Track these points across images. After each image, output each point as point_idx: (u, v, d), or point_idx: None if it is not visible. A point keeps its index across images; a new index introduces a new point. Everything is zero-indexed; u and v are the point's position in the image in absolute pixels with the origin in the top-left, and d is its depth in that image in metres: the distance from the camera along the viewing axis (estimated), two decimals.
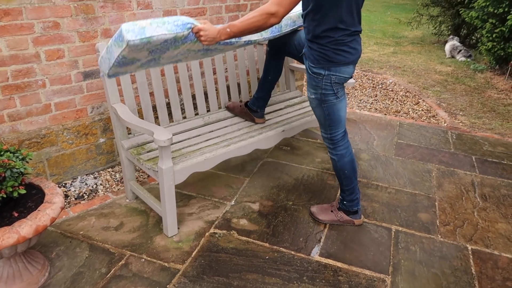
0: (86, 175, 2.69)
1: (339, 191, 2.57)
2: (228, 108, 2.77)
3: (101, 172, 2.75)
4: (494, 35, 5.16)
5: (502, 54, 5.15)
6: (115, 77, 2.08)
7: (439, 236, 2.27)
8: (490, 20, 5.24)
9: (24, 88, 2.28)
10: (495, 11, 5.15)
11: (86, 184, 2.61)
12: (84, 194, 2.52)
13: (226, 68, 2.87)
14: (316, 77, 1.97)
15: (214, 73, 2.91)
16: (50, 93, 2.39)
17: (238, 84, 3.08)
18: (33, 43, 2.24)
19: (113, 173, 2.75)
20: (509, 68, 5.20)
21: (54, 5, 2.25)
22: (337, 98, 2.03)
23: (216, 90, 2.89)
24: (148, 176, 2.75)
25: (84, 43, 2.44)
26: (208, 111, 2.82)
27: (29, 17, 2.19)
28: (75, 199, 2.47)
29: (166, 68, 2.46)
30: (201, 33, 1.77)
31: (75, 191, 2.54)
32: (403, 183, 2.81)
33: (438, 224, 2.38)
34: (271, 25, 1.80)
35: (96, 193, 2.55)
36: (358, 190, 2.28)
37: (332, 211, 2.34)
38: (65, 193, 2.50)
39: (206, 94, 2.86)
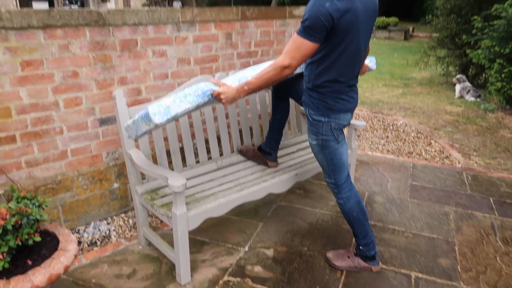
0: (100, 220, 2.68)
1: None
2: (241, 152, 2.79)
3: (114, 217, 2.74)
4: (503, 75, 5.20)
5: None
6: None
7: (462, 283, 2.18)
8: (498, 60, 5.30)
9: (42, 135, 2.34)
10: (502, 51, 5.22)
11: (99, 230, 2.59)
12: (97, 240, 2.50)
13: (238, 112, 2.92)
14: (317, 124, 2.03)
15: (227, 117, 2.96)
16: (67, 139, 2.44)
17: (251, 128, 3.12)
18: (52, 91, 2.32)
19: (126, 218, 2.74)
20: None
21: (74, 56, 2.35)
22: (338, 143, 2.08)
23: (228, 134, 2.92)
24: (161, 221, 2.72)
25: (101, 90, 2.52)
26: (221, 155, 2.83)
27: (50, 67, 2.28)
28: (88, 245, 2.45)
29: None
30: (221, 96, 1.88)
31: (88, 237, 2.52)
32: (420, 226, 2.74)
33: (459, 270, 2.29)
34: (286, 77, 1.87)
35: (109, 239, 2.53)
36: (372, 233, 2.23)
37: (349, 257, 2.28)
38: (78, 239, 2.48)
39: (219, 138, 2.89)
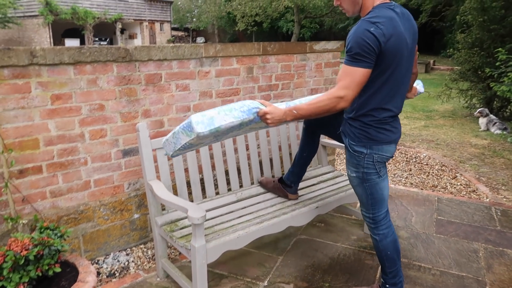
0: (119, 251, 2.68)
1: (380, 272, 2.43)
2: (261, 184, 2.77)
3: (134, 248, 2.73)
4: None
5: None
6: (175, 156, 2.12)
7: None
8: None
9: (68, 166, 2.40)
10: None
11: (118, 261, 2.59)
12: (116, 272, 2.49)
13: (259, 144, 2.93)
14: (358, 156, 1.94)
15: (247, 149, 2.97)
16: (91, 170, 2.50)
17: (271, 160, 3.12)
18: (79, 123, 2.40)
19: (145, 249, 2.73)
20: None
21: (101, 89, 2.44)
22: (379, 177, 1.97)
23: (249, 165, 2.93)
24: (180, 253, 2.70)
25: (125, 123, 2.59)
26: (240, 186, 2.83)
27: (78, 100, 2.37)
28: (107, 276, 2.44)
29: None
30: (267, 116, 1.82)
31: (107, 268, 2.52)
32: (447, 264, 2.62)
33: None
34: (341, 109, 1.79)
35: (127, 270, 2.51)
36: (402, 273, 2.13)
37: None
38: (97, 270, 2.48)
39: (239, 169, 2.90)
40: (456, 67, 8.20)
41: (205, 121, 1.69)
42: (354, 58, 1.73)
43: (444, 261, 2.65)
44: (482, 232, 3.04)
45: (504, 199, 3.73)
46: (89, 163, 2.48)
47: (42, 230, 1.71)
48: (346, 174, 2.08)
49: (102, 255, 2.62)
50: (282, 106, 1.95)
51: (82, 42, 26.57)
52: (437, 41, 20.31)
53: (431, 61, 17.04)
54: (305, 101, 2.04)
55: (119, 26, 28.67)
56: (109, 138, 2.54)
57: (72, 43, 25.51)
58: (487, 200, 3.69)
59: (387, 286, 2.13)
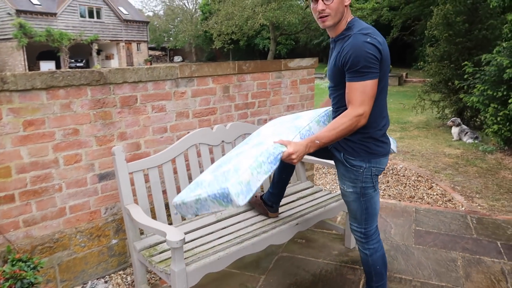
0: (97, 279, 2.61)
1: (363, 286, 2.44)
2: None
3: (112, 275, 2.66)
4: (498, 118, 5.28)
5: (509, 135, 5.21)
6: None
7: None
8: (492, 105, 5.40)
9: (41, 193, 2.34)
10: (495, 95, 5.34)
11: None
12: None
13: None
14: (356, 170, 1.92)
15: None
16: (66, 196, 2.44)
17: None
18: (53, 149, 2.35)
19: (124, 275, 2.67)
20: None
21: (75, 114, 2.41)
22: (375, 191, 1.98)
23: None
24: (160, 278, 2.65)
25: (101, 146, 2.55)
26: None
27: (51, 125, 2.33)
28: None
29: (179, 165, 2.53)
30: (293, 156, 1.77)
31: None
32: (427, 274, 2.65)
33: None
34: (360, 127, 1.79)
35: None
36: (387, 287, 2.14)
37: None
38: None
39: None
40: (428, 79, 8.46)
41: (244, 189, 1.63)
42: (361, 72, 1.73)
43: (424, 272, 2.69)
44: (459, 241, 3.11)
45: (479, 207, 3.83)
46: (64, 189, 2.43)
47: (14, 262, 1.66)
48: (340, 189, 2.04)
49: (79, 284, 2.54)
50: (287, 132, 1.91)
51: (58, 64, 26.23)
52: (409, 54, 20.99)
53: (404, 74, 17.53)
54: (304, 120, 2.04)
55: (95, 47, 28.48)
56: (84, 163, 2.49)
57: (47, 65, 25.16)
58: (463, 208, 3.78)
59: None
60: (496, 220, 3.45)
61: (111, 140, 2.59)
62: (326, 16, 1.83)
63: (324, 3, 1.81)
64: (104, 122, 2.54)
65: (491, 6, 5.74)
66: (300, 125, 1.99)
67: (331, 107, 2.12)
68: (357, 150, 1.90)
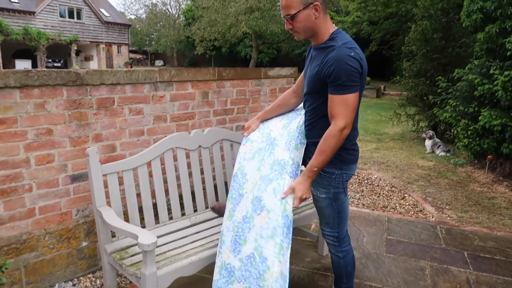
0: (65, 282, 2.55)
1: None
2: (213, 209, 2.76)
3: (81, 278, 2.61)
4: (469, 132, 5.46)
5: (479, 149, 5.39)
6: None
7: None
8: (463, 120, 5.59)
9: (10, 193, 2.28)
10: (466, 110, 5.53)
11: None
12: None
13: (214, 168, 2.94)
14: (329, 177, 1.99)
15: (202, 172, 2.97)
16: (36, 197, 2.39)
17: (226, 183, 3.12)
18: (24, 149, 2.30)
19: (93, 279, 2.62)
20: (487, 162, 5.41)
21: (49, 114, 2.37)
22: (345, 195, 2.07)
23: (203, 189, 2.92)
24: (130, 282, 2.61)
25: (75, 147, 2.51)
26: (195, 211, 2.80)
27: (24, 125, 2.28)
28: None
29: (154, 169, 2.51)
30: (303, 197, 1.92)
31: None
32: (397, 282, 2.71)
33: None
34: (346, 136, 1.86)
35: None
36: None
37: None
38: None
39: (193, 194, 2.88)
40: (404, 93, 8.69)
41: (282, 283, 1.81)
42: (344, 86, 1.78)
43: (394, 280, 2.75)
44: (428, 250, 3.19)
45: (448, 218, 3.94)
46: (34, 189, 2.38)
47: None
48: (313, 196, 2.10)
49: (46, 286, 2.48)
50: (286, 179, 1.99)
51: (35, 63, 25.61)
52: (387, 67, 21.49)
53: (382, 87, 17.95)
54: (277, 125, 2.18)
55: (74, 47, 27.97)
56: (57, 163, 2.45)
57: (23, 64, 24.52)
58: (433, 219, 3.89)
59: None
60: (464, 231, 3.56)
61: (85, 141, 2.56)
62: (296, 32, 1.92)
63: (289, 23, 1.89)
64: (79, 123, 2.51)
65: (463, 25, 5.96)
66: (282, 159, 2.04)
67: (299, 118, 2.18)
68: (332, 159, 1.94)
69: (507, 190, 4.79)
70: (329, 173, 1.98)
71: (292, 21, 1.86)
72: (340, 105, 1.80)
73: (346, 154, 1.97)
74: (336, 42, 1.84)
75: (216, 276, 1.94)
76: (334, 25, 1.94)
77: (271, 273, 1.76)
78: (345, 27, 17.98)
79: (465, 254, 3.13)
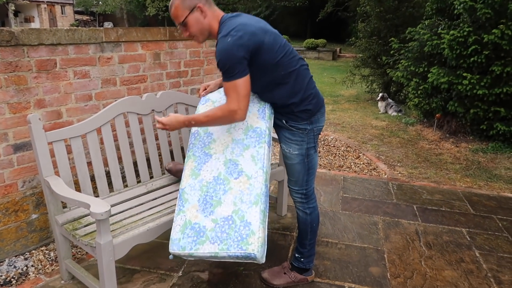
0: (16, 256, 2.43)
1: (293, 250, 2.54)
2: (169, 171, 2.70)
3: (33, 251, 2.50)
4: (419, 92, 5.66)
5: (428, 108, 5.62)
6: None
7: None
8: (414, 79, 5.77)
9: None
10: (417, 70, 5.70)
11: (14, 267, 2.35)
12: (12, 279, 2.26)
13: (169, 133, 2.85)
14: (302, 132, 2.02)
15: (157, 138, 2.87)
16: None
17: (182, 148, 3.05)
18: None
19: (46, 251, 2.52)
20: (435, 120, 5.67)
21: None
22: (315, 151, 2.10)
23: (159, 155, 2.83)
24: (87, 252, 2.54)
25: (15, 114, 2.33)
26: (151, 177, 2.73)
27: None
28: (1, 285, 2.21)
29: (105, 135, 2.39)
30: (166, 127, 1.98)
31: (1, 276, 2.27)
32: (352, 237, 2.83)
33: (389, 277, 2.39)
34: (237, 121, 1.90)
35: (26, 276, 2.30)
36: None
37: (285, 273, 2.28)
38: None
39: (148, 160, 2.79)
40: (359, 55, 8.80)
41: (265, 247, 1.80)
42: (229, 73, 1.81)
43: (349, 235, 2.86)
44: (381, 205, 3.34)
45: (399, 175, 4.13)
46: None
47: None
48: (285, 153, 2.10)
49: None
50: (265, 148, 2.00)
51: None
52: (343, 30, 21.60)
53: (338, 49, 18.07)
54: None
55: (12, 7, 25.68)
56: None
57: None
58: (385, 176, 4.06)
59: (302, 260, 2.24)
60: (413, 186, 3.76)
61: (27, 107, 2.37)
62: (194, 36, 1.94)
63: (185, 30, 1.93)
64: (18, 87, 2.31)
65: None
66: (258, 127, 2.03)
67: None
68: (300, 115, 2.00)
69: (452, 146, 5.07)
70: (302, 129, 2.02)
71: (186, 28, 1.91)
72: (230, 91, 1.83)
73: (310, 106, 2.00)
74: (220, 34, 1.85)
75: (177, 235, 1.86)
76: (222, 13, 1.94)
77: (257, 238, 1.78)
78: None
79: (414, 208, 3.31)
